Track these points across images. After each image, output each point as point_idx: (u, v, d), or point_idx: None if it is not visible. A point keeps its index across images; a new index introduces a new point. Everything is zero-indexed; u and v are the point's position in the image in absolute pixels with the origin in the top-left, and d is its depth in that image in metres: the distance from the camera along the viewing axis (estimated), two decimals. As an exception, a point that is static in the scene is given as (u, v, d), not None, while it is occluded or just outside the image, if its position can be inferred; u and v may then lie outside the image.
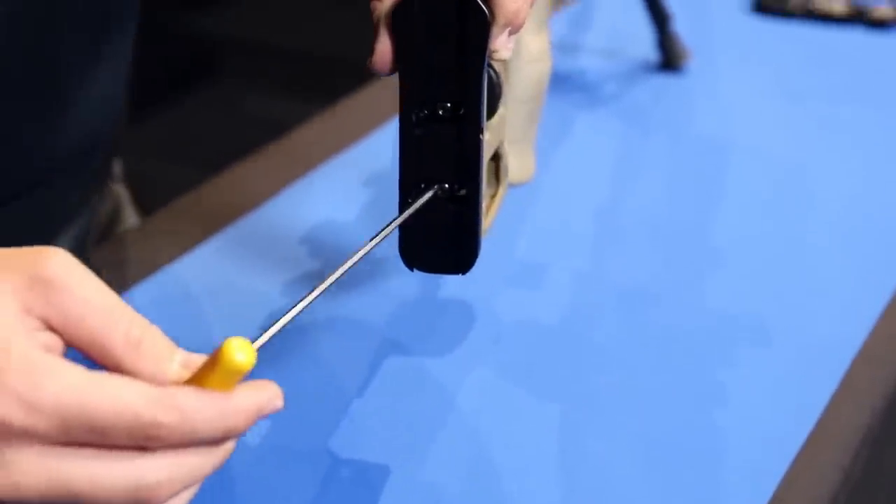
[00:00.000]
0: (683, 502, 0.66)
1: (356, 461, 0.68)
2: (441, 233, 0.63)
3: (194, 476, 0.48)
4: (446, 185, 0.62)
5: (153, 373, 0.47)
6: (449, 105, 0.61)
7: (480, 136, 0.61)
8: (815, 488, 0.68)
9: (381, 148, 0.98)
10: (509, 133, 0.74)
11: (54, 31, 0.77)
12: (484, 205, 0.64)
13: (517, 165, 0.76)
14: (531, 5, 0.61)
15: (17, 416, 0.45)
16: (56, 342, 0.47)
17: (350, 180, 0.95)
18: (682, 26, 1.15)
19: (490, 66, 0.64)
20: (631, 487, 0.67)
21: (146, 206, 1.03)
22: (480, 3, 0.59)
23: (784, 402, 0.73)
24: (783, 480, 0.68)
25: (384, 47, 0.60)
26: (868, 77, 1.15)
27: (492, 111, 0.66)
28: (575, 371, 0.75)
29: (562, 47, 1.18)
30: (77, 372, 0.46)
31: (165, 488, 0.47)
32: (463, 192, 0.62)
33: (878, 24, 1.23)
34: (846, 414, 0.73)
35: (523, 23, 0.60)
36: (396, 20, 0.59)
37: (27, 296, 0.47)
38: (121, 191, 0.99)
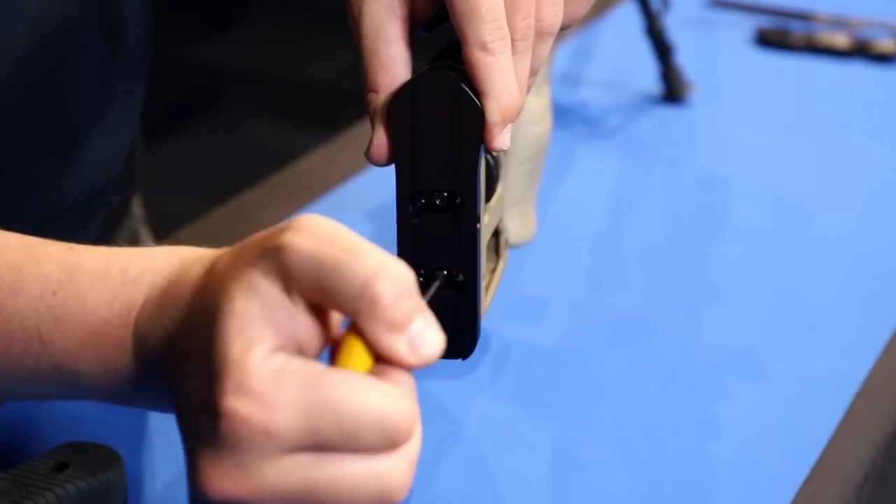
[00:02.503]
0: (686, 535, 0.66)
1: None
2: (439, 318, 0.63)
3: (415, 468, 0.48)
4: (444, 273, 0.62)
5: (384, 342, 0.48)
6: (446, 194, 0.61)
7: (477, 226, 0.61)
8: (818, 522, 0.68)
9: (384, 179, 0.98)
10: (509, 195, 0.74)
11: (67, 70, 0.77)
12: (483, 283, 0.64)
13: (518, 226, 0.76)
14: (528, 91, 0.62)
15: (259, 415, 0.45)
16: (300, 317, 0.48)
17: (354, 211, 0.95)
18: (684, 59, 1.15)
19: (487, 150, 0.64)
20: (634, 520, 0.67)
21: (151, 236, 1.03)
22: (474, 97, 0.59)
23: (786, 436, 0.73)
24: (786, 514, 0.68)
25: (381, 140, 0.60)
26: (870, 111, 1.15)
27: (490, 194, 0.67)
28: (575, 402, 0.75)
29: (565, 79, 1.19)
30: (318, 369, 0.46)
31: (407, 483, 0.47)
32: (461, 277, 0.62)
33: (880, 59, 1.23)
34: (849, 448, 0.73)
35: (518, 113, 0.60)
36: (392, 113, 0.60)
37: (261, 266, 0.48)
38: (141, 229, 0.99)
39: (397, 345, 0.48)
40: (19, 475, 0.63)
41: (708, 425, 0.74)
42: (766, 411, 0.75)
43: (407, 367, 0.48)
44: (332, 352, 0.50)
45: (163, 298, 0.52)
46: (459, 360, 0.70)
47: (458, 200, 0.61)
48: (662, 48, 1.13)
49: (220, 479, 0.46)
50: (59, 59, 0.76)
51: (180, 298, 0.51)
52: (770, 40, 1.27)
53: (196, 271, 0.52)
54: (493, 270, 0.71)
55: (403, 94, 0.59)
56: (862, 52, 1.24)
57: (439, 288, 0.62)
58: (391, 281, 0.47)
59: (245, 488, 0.46)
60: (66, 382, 0.55)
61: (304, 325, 0.48)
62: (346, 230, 0.48)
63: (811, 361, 0.80)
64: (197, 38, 3.12)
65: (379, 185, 0.99)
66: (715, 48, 1.27)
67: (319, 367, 0.47)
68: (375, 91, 0.60)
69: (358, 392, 0.46)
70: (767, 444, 0.73)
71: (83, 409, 0.72)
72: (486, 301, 0.68)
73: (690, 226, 0.96)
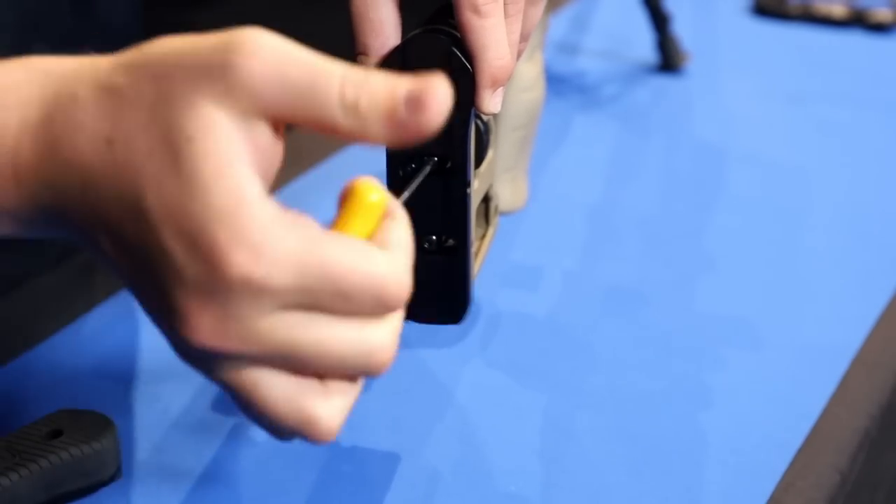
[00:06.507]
0: (680, 504, 0.66)
1: (361, 449, 0.68)
2: (431, 284, 0.63)
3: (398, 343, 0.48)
4: (433, 237, 0.62)
5: (375, 136, 0.46)
6: (436, 159, 0.61)
7: (467, 190, 0.61)
8: (812, 491, 0.68)
9: (379, 148, 0.98)
10: (501, 162, 0.74)
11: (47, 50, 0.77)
12: (473, 249, 0.64)
13: (509, 193, 0.75)
14: (519, 56, 0.61)
15: (256, 269, 0.44)
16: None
17: (349, 179, 0.94)
18: (681, 28, 1.15)
19: (478, 116, 0.63)
20: (624, 489, 0.67)
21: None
22: (464, 60, 0.58)
23: (781, 405, 0.73)
24: (780, 483, 0.68)
25: None
26: (866, 80, 1.15)
27: (480, 160, 0.66)
28: (568, 371, 0.75)
29: (561, 48, 1.18)
30: (316, 230, 0.45)
31: (392, 354, 0.47)
32: (451, 242, 0.62)
33: (877, 28, 1.23)
34: (843, 417, 0.73)
35: (509, 77, 0.60)
36: None
37: (211, 94, 0.45)
38: None
39: (399, 115, 0.46)
40: (13, 442, 0.63)
41: (702, 395, 0.74)
42: (760, 380, 0.75)
43: (423, 129, 0.46)
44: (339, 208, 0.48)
45: (50, 129, 0.46)
46: (451, 328, 0.70)
47: (449, 165, 0.61)
48: (659, 17, 1.13)
49: (208, 328, 0.45)
50: (28, 27, 0.76)
51: (84, 131, 0.46)
52: (767, 9, 1.26)
53: (85, 93, 0.46)
54: (483, 237, 0.71)
55: (393, 58, 0.59)
56: (859, 21, 1.23)
57: (430, 253, 0.62)
58: (365, 87, 0.46)
59: (233, 340, 0.45)
60: None
61: (268, 148, 0.46)
62: (293, 45, 0.46)
63: (806, 331, 0.80)
64: (189, 6, 3.11)
65: (373, 153, 0.98)
66: (712, 17, 1.26)
67: (317, 228, 0.46)
68: (365, 54, 0.60)
69: (356, 255, 0.45)
70: (761, 414, 0.73)
71: (77, 376, 0.72)
72: (475, 267, 0.68)
73: (686, 195, 0.96)
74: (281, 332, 0.45)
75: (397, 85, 0.46)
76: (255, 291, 0.44)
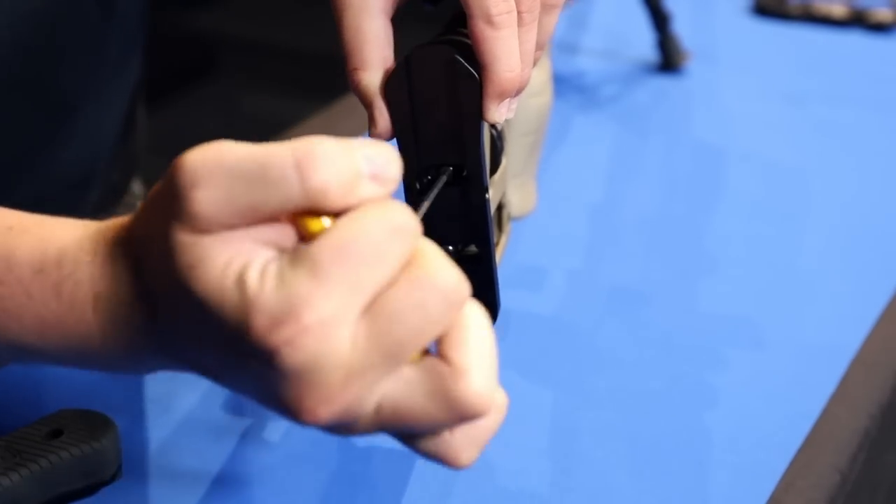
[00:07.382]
0: (680, 504, 0.66)
1: (368, 448, 0.68)
2: None
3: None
4: (450, 247, 0.62)
5: (344, 207, 0.45)
6: (451, 168, 0.60)
7: (486, 196, 0.61)
8: (812, 491, 0.68)
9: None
10: (510, 167, 0.73)
11: (58, 34, 0.77)
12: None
13: (518, 199, 0.75)
14: (535, 64, 0.61)
15: (303, 326, 0.43)
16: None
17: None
18: (681, 27, 1.15)
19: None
20: (625, 488, 0.67)
21: (144, 203, 1.03)
22: (470, 68, 0.58)
23: (781, 405, 0.73)
24: (780, 483, 0.68)
25: (384, 117, 0.60)
26: (867, 81, 1.15)
27: (494, 167, 0.66)
28: (571, 371, 0.75)
29: (561, 48, 1.18)
30: (302, 247, 0.45)
31: (459, 277, 0.45)
32: (472, 249, 0.62)
33: (878, 28, 1.23)
34: (843, 417, 0.73)
35: (519, 89, 0.59)
36: (390, 91, 0.59)
37: (183, 229, 0.45)
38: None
39: (366, 192, 0.45)
40: (13, 442, 0.63)
41: (703, 394, 0.74)
42: (760, 380, 0.75)
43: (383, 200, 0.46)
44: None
45: (116, 292, 0.50)
46: None
47: (465, 173, 0.60)
48: (659, 16, 1.13)
49: (319, 403, 0.44)
50: (52, 22, 0.76)
51: (130, 293, 0.49)
52: (767, 9, 1.26)
53: (121, 256, 0.50)
54: (496, 244, 0.71)
55: (399, 71, 0.59)
56: (859, 21, 1.23)
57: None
58: (323, 164, 0.44)
59: (343, 393, 0.44)
60: (35, 359, 0.54)
61: (267, 232, 0.46)
62: (233, 149, 0.45)
63: (806, 330, 0.80)
64: (193, 6, 3.11)
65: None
66: (712, 17, 1.26)
67: (301, 246, 0.45)
68: (363, 69, 0.60)
69: (352, 225, 0.44)
70: (762, 413, 0.73)
71: (77, 376, 0.72)
72: None
73: (687, 195, 0.96)
74: (364, 342, 0.44)
75: (352, 147, 0.45)
76: (319, 339, 0.44)
